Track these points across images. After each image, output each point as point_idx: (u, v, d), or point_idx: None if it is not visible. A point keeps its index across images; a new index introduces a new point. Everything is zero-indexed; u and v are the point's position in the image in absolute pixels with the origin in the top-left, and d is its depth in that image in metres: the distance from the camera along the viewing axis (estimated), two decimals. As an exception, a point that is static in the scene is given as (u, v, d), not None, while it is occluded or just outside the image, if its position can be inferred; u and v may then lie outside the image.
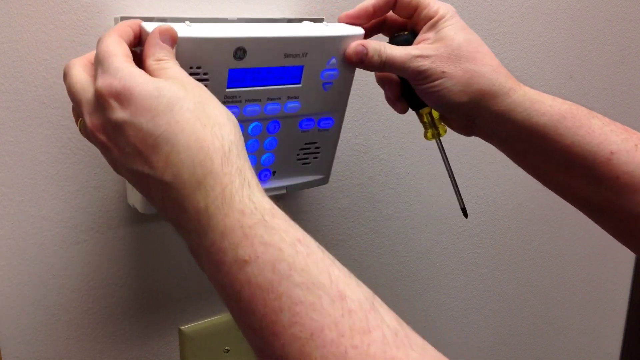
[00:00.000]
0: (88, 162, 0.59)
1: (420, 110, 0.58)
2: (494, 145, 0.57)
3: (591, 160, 0.51)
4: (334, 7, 0.69)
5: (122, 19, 0.53)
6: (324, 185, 0.66)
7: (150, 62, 0.41)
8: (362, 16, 0.55)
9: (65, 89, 0.43)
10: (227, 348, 0.71)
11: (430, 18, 0.54)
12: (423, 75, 0.52)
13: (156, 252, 0.65)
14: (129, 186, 0.59)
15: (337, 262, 0.36)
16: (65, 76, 0.43)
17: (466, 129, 0.57)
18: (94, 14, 0.56)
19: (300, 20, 0.62)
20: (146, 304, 0.66)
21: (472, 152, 0.86)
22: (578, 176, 0.52)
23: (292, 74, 0.53)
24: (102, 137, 0.40)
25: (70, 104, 0.44)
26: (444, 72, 0.51)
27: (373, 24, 0.57)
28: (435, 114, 0.58)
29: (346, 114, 0.74)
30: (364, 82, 0.74)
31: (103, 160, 0.59)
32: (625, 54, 1.00)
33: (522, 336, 1.05)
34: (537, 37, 0.88)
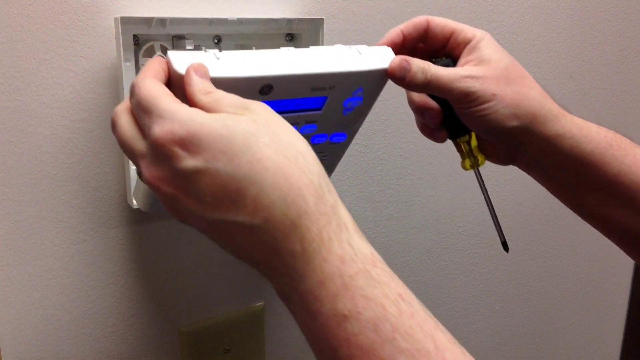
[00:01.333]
0: (88, 162, 0.59)
1: (458, 139, 0.55)
2: (534, 176, 0.54)
3: (637, 190, 0.49)
4: (334, 7, 0.69)
5: (123, 19, 0.53)
6: (324, 185, 0.66)
7: (200, 97, 0.37)
8: (394, 44, 0.52)
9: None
10: (227, 348, 0.71)
11: (469, 41, 0.51)
12: (472, 98, 0.48)
13: (156, 252, 0.65)
14: (128, 186, 0.59)
15: (439, 323, 0.34)
16: (113, 126, 0.40)
17: (507, 158, 0.54)
18: (94, 14, 0.56)
19: (300, 20, 0.62)
20: (146, 304, 0.66)
21: (472, 152, 0.86)
22: (622, 207, 0.51)
23: (314, 103, 0.51)
24: (169, 189, 0.35)
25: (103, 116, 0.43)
26: (494, 94, 0.48)
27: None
28: (474, 142, 0.55)
29: (346, 114, 0.74)
30: (364, 82, 0.74)
31: (103, 160, 0.60)
32: (625, 54, 1.00)
33: (522, 336, 1.05)
34: (537, 37, 0.88)
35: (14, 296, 0.59)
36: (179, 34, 0.58)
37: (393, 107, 0.77)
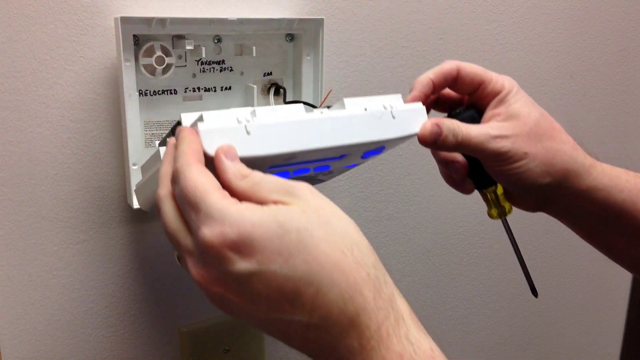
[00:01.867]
0: (88, 162, 0.59)
1: (485, 190, 0.54)
2: (564, 223, 0.54)
3: None
4: (334, 7, 0.69)
5: (123, 19, 0.53)
6: (325, 185, 0.66)
7: (237, 182, 0.35)
8: (426, 96, 0.51)
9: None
10: (227, 348, 0.71)
11: (497, 93, 0.50)
12: (503, 157, 0.48)
13: (156, 252, 0.65)
14: (128, 186, 0.59)
15: None
16: (157, 213, 0.38)
17: (535, 207, 0.54)
18: (94, 14, 0.56)
19: (300, 20, 0.62)
20: (146, 304, 0.66)
21: (472, 152, 0.86)
22: None
23: (334, 157, 0.49)
24: (219, 290, 0.34)
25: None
26: (526, 152, 0.48)
27: (429, 102, 0.53)
28: (500, 190, 0.54)
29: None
30: (364, 81, 0.74)
31: (103, 160, 0.60)
32: (625, 54, 1.00)
33: (522, 336, 1.05)
34: (537, 37, 0.88)
35: (14, 296, 0.59)
36: (179, 34, 0.58)
37: (393, 107, 0.77)
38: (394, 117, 0.47)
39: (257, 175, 0.36)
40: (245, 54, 0.63)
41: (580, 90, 0.97)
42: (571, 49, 0.93)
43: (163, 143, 0.54)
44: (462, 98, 0.54)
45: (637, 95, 1.05)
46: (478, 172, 0.52)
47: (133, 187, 0.57)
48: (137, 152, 0.57)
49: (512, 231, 0.55)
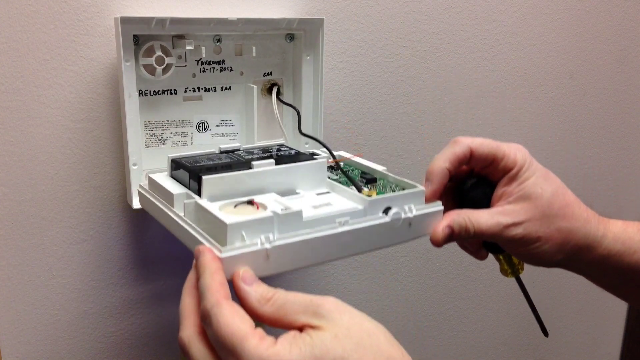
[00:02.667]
0: (88, 162, 0.59)
1: (500, 256, 0.56)
2: (582, 275, 0.55)
3: None
4: (334, 7, 0.69)
5: (123, 19, 0.53)
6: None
7: (261, 309, 0.36)
8: (444, 186, 0.51)
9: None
10: (227, 348, 0.71)
11: (509, 170, 0.49)
12: (516, 243, 0.49)
13: (156, 252, 0.65)
14: (128, 186, 0.59)
15: None
16: (185, 353, 0.38)
17: (550, 266, 0.55)
18: (94, 14, 0.56)
19: (300, 20, 0.62)
20: (146, 304, 0.66)
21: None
22: None
23: None
24: None
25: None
26: (539, 237, 0.48)
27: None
28: None
29: (346, 114, 0.74)
30: (364, 81, 0.74)
31: (103, 160, 0.60)
32: (625, 54, 1.00)
33: (522, 336, 1.05)
34: (537, 37, 0.88)
35: (14, 296, 0.59)
36: (179, 34, 0.58)
37: (393, 107, 0.77)
38: (410, 225, 0.48)
39: (280, 296, 0.36)
40: (245, 54, 0.63)
41: (580, 90, 0.97)
42: (571, 49, 0.93)
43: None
44: (472, 169, 0.54)
45: (637, 95, 1.05)
46: (492, 243, 0.53)
47: (133, 187, 0.57)
48: (137, 152, 0.57)
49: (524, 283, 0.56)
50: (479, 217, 0.48)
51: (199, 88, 0.62)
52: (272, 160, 0.53)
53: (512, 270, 0.56)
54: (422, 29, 0.77)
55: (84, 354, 0.64)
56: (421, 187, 0.50)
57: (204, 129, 0.63)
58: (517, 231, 0.48)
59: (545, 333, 0.57)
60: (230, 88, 0.63)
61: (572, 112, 0.98)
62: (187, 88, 0.61)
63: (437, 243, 0.49)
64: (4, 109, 0.54)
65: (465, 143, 0.50)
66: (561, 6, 0.90)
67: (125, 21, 0.53)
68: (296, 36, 0.65)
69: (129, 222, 0.63)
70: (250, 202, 0.47)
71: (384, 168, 0.56)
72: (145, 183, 0.56)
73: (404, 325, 0.88)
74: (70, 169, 0.58)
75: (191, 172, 0.51)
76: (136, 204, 0.58)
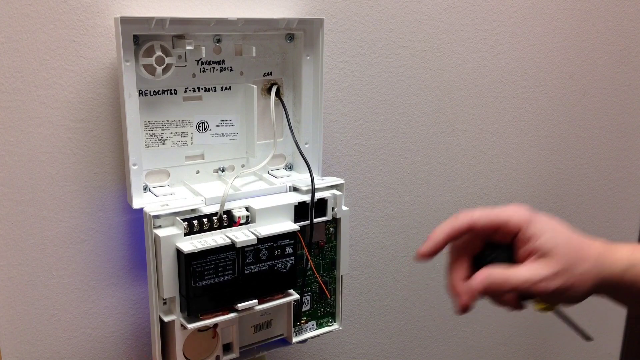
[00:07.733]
0: (88, 162, 0.59)
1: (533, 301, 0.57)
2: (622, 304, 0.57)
3: None
4: (334, 7, 0.69)
5: (123, 19, 0.53)
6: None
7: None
8: (440, 248, 0.54)
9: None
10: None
11: (516, 232, 0.52)
12: (551, 295, 0.51)
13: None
14: (128, 186, 0.59)
15: None
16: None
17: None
18: (94, 14, 0.56)
19: (300, 20, 0.62)
20: (146, 304, 0.66)
21: (472, 152, 0.86)
22: None
23: None
24: None
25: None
26: (569, 287, 0.51)
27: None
28: None
29: (346, 114, 0.74)
30: (364, 81, 0.74)
31: (103, 160, 0.60)
32: (625, 54, 1.00)
33: (522, 336, 1.05)
34: (537, 37, 0.88)
35: (14, 296, 0.59)
36: (179, 34, 0.58)
37: (393, 107, 0.77)
38: None
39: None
40: (245, 54, 0.63)
41: (580, 90, 0.97)
42: (571, 49, 0.93)
43: None
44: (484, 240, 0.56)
45: (637, 95, 1.05)
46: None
47: (133, 187, 0.58)
48: (137, 152, 0.57)
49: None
50: (509, 276, 0.51)
51: (199, 88, 0.62)
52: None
53: (547, 306, 0.57)
54: (422, 29, 0.77)
55: (84, 354, 0.64)
56: None
57: (204, 129, 0.63)
58: (549, 284, 0.51)
59: (589, 338, 0.58)
60: (230, 88, 0.63)
61: (572, 112, 0.98)
62: (187, 88, 0.61)
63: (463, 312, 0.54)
64: (4, 109, 0.54)
65: (466, 217, 0.53)
66: (561, 6, 0.90)
67: (125, 21, 0.53)
68: (296, 36, 0.65)
69: (129, 222, 0.63)
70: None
71: None
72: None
73: (404, 325, 0.88)
74: (70, 169, 0.58)
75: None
76: (136, 204, 0.58)
